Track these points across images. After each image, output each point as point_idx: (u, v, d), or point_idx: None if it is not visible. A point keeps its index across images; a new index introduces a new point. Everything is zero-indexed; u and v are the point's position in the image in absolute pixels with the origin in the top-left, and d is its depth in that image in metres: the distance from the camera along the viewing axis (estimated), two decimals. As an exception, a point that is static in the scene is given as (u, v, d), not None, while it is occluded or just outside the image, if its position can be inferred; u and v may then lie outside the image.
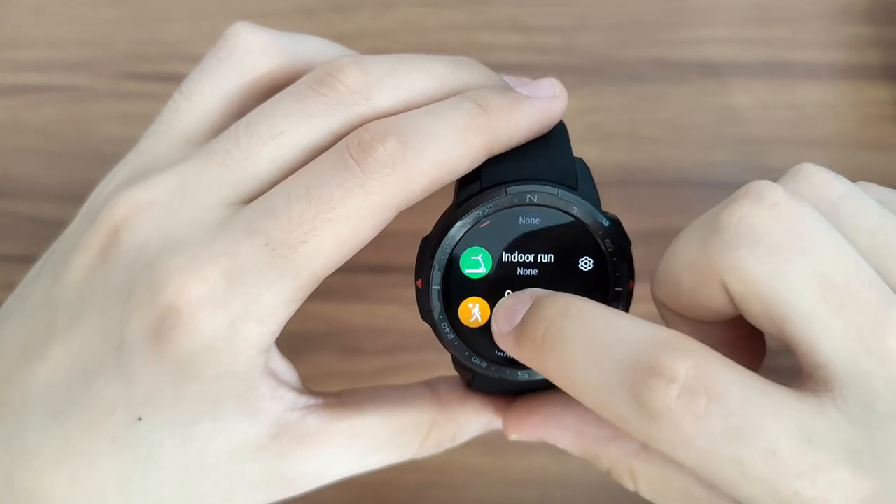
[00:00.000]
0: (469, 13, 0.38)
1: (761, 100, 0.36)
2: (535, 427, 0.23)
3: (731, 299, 0.19)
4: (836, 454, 0.17)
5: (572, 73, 0.37)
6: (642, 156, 0.36)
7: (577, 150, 0.24)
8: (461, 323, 0.22)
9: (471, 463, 0.33)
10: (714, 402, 0.17)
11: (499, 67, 0.37)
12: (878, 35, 0.36)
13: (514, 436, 0.24)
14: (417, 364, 0.34)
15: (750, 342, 0.22)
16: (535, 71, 0.37)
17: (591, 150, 0.36)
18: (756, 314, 0.19)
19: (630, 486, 0.23)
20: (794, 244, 0.18)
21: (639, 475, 0.22)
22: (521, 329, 0.20)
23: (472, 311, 0.22)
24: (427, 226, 0.23)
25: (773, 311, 0.18)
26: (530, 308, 0.20)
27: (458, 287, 0.22)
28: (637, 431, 0.18)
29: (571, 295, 0.20)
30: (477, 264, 0.22)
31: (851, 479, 0.17)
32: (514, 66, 0.37)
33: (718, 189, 0.35)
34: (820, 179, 0.20)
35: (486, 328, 0.22)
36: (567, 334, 0.19)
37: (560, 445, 0.23)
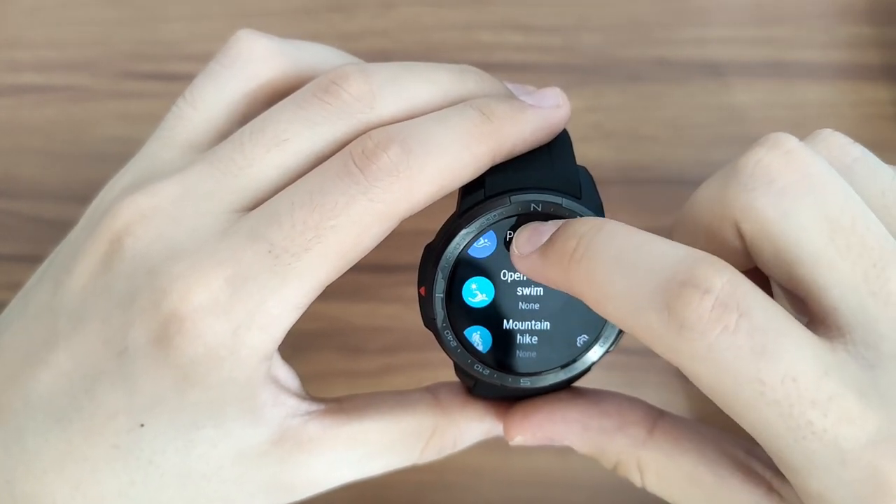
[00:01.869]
0: (469, 13, 0.38)
1: (761, 100, 0.36)
2: (538, 426, 0.23)
3: (745, 243, 0.20)
4: (849, 389, 0.17)
5: (572, 72, 0.37)
6: (643, 155, 0.36)
7: (578, 149, 0.24)
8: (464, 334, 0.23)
9: (471, 463, 0.33)
10: (745, 318, 0.17)
11: (499, 67, 0.37)
12: (878, 35, 0.36)
13: (517, 439, 0.24)
14: (419, 363, 0.34)
15: None
16: (535, 71, 0.37)
17: (592, 149, 0.36)
18: (767, 257, 0.19)
19: (637, 479, 0.23)
20: (804, 186, 0.19)
21: (646, 464, 0.22)
22: (549, 245, 0.20)
23: (476, 294, 0.22)
24: (429, 225, 0.23)
25: (783, 252, 0.19)
26: (560, 227, 0.20)
27: (461, 294, 0.22)
28: (662, 343, 0.18)
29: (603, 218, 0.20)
30: (481, 272, 0.22)
31: (860, 415, 0.17)
32: (514, 65, 0.37)
33: (718, 189, 0.35)
34: (837, 142, 0.21)
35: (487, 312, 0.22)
36: (601, 246, 0.19)
37: (566, 442, 0.23)
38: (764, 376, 0.17)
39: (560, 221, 0.21)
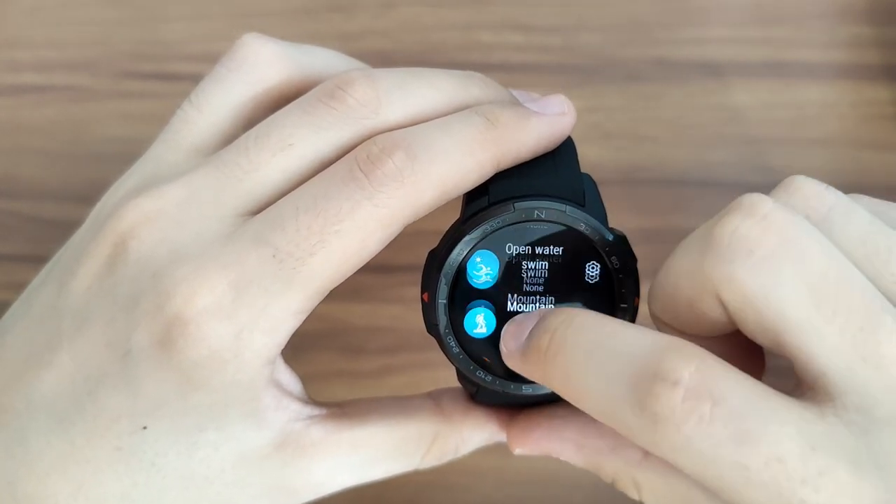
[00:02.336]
0: (469, 13, 0.38)
1: (761, 100, 0.36)
2: (537, 441, 0.24)
3: (727, 312, 0.19)
4: (840, 461, 0.17)
5: (572, 72, 0.37)
6: (642, 155, 0.36)
7: (578, 149, 0.24)
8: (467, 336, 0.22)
9: (471, 463, 0.33)
10: (718, 406, 0.17)
11: (499, 67, 0.37)
12: (878, 35, 0.36)
13: (518, 450, 0.24)
14: (419, 364, 0.34)
15: (749, 357, 0.22)
16: (535, 71, 0.37)
17: (592, 149, 0.36)
18: (752, 326, 0.19)
19: (634, 495, 0.23)
20: (784, 254, 0.18)
21: (642, 484, 0.22)
22: (528, 342, 0.20)
23: (479, 324, 0.22)
24: (431, 226, 0.23)
25: (768, 321, 0.18)
26: (539, 322, 0.20)
27: (464, 301, 0.22)
28: (640, 438, 0.18)
29: (577, 308, 0.20)
30: (484, 279, 0.22)
31: (855, 486, 0.16)
32: (514, 66, 0.37)
33: (718, 189, 0.35)
34: (811, 191, 0.20)
35: (490, 342, 0.22)
36: (570, 342, 0.19)
37: (562, 458, 0.23)
38: (747, 461, 0.17)
39: (542, 312, 0.21)
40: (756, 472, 0.17)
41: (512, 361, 0.21)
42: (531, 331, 0.20)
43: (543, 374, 0.20)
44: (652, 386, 0.17)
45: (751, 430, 0.17)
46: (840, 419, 0.17)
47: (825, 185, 0.20)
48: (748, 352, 0.21)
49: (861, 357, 0.17)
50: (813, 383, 0.18)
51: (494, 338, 0.22)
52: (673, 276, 0.21)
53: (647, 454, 0.22)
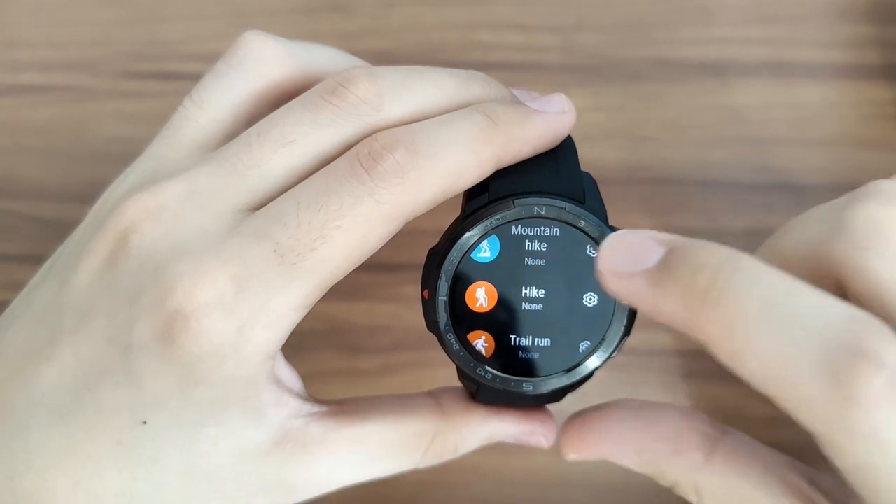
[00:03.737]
0: (469, 13, 0.38)
1: (761, 100, 0.36)
2: (593, 446, 0.23)
3: (847, 297, 0.18)
4: None
5: (572, 72, 0.37)
6: (642, 155, 0.36)
7: (578, 148, 0.24)
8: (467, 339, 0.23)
9: (471, 462, 0.33)
10: None
11: (499, 67, 0.37)
12: (878, 35, 0.36)
13: (572, 456, 0.23)
14: (418, 362, 0.34)
15: None
16: (534, 71, 0.37)
17: (592, 149, 0.36)
18: (877, 314, 0.18)
19: (694, 500, 0.22)
20: None
21: (703, 489, 0.21)
22: (667, 273, 0.18)
23: (479, 299, 0.22)
24: (430, 225, 0.23)
25: (893, 312, 0.17)
26: (677, 252, 0.18)
27: (464, 297, 0.22)
28: (814, 412, 0.17)
29: (724, 246, 0.18)
30: (485, 276, 0.22)
31: None
32: (513, 65, 0.37)
33: (718, 189, 0.35)
34: None
35: (489, 318, 0.22)
36: (742, 290, 0.17)
37: (620, 463, 0.23)
38: None
39: (665, 237, 0.19)
40: None
41: (623, 285, 0.19)
42: (672, 259, 0.18)
43: (693, 317, 0.18)
44: (853, 362, 0.16)
45: None
46: None
47: None
48: None
49: None
50: None
51: (494, 313, 0.22)
52: (788, 250, 0.20)
53: (709, 457, 0.21)
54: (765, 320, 0.17)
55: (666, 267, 0.18)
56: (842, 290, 0.18)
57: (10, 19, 0.39)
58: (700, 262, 0.18)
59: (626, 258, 0.19)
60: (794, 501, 0.20)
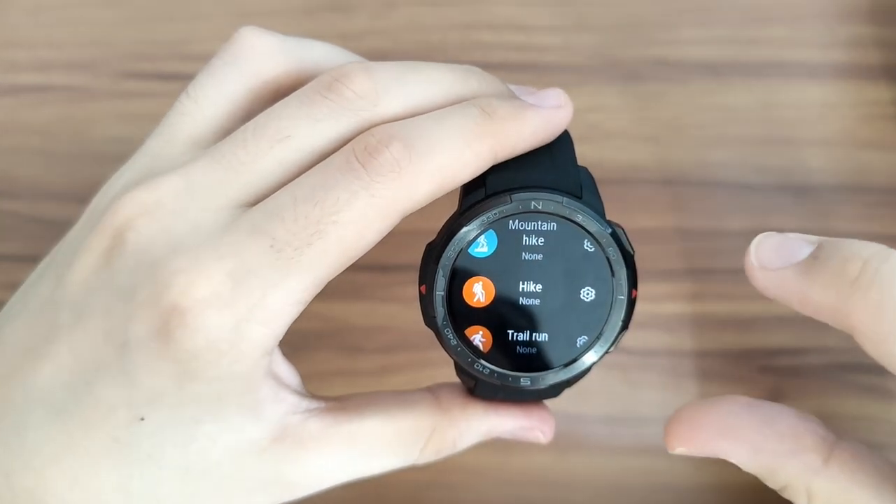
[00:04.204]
0: (469, 13, 0.38)
1: (761, 100, 0.36)
2: (707, 440, 0.22)
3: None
4: None
5: (572, 72, 0.37)
6: (642, 155, 0.36)
7: (577, 149, 0.24)
8: (465, 335, 0.23)
9: (471, 462, 0.33)
10: None
11: (499, 67, 0.37)
12: (878, 35, 0.36)
13: (679, 450, 0.22)
14: (418, 362, 0.34)
15: None
16: (535, 70, 0.37)
17: (591, 149, 0.36)
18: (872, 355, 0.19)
19: (804, 503, 0.22)
20: None
21: (816, 494, 0.21)
22: (819, 264, 0.19)
23: (476, 294, 0.22)
24: (429, 225, 0.23)
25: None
26: (828, 245, 0.19)
27: (461, 293, 0.22)
28: None
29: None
30: (482, 271, 0.22)
31: None
32: (514, 65, 0.37)
33: (718, 189, 0.35)
34: None
35: (486, 313, 0.22)
36: (892, 277, 0.18)
37: (733, 460, 0.22)
38: None
39: (813, 238, 0.20)
40: None
41: (773, 278, 0.20)
42: (822, 253, 0.19)
43: (841, 302, 0.19)
44: None
45: None
46: None
47: None
48: None
49: None
50: None
51: (491, 308, 0.22)
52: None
53: (827, 461, 0.21)
54: None
55: (816, 258, 0.19)
56: None
57: (10, 19, 0.39)
58: (851, 253, 0.19)
59: (776, 254, 0.20)
60: None
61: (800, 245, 0.20)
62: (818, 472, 0.21)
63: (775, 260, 0.20)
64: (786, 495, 0.22)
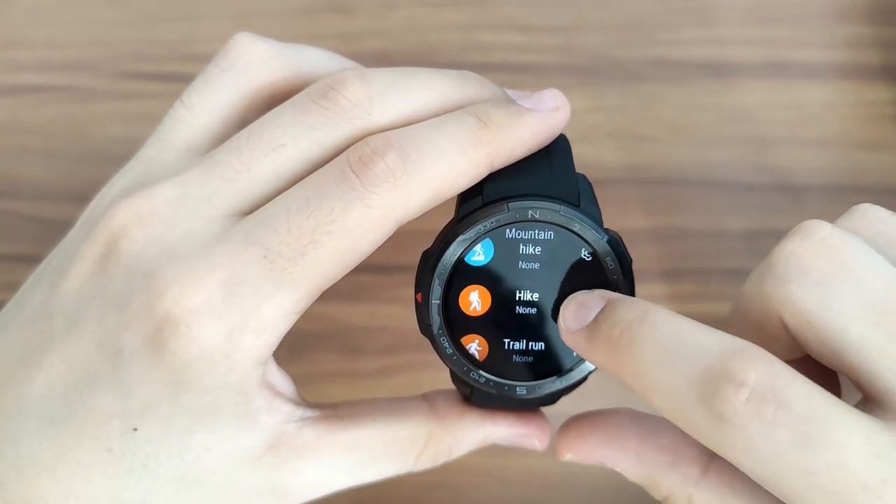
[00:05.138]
0: (469, 13, 0.38)
1: (761, 100, 0.36)
2: (593, 449, 0.23)
3: (791, 334, 0.20)
4: None
5: (572, 73, 0.37)
6: (642, 155, 0.36)
7: (577, 149, 0.24)
8: (460, 342, 0.22)
9: (471, 463, 0.33)
10: (783, 409, 0.17)
11: (499, 67, 0.37)
12: (878, 35, 0.36)
13: (568, 456, 0.23)
14: (418, 364, 0.34)
15: (822, 381, 0.22)
16: (535, 71, 0.37)
17: (592, 149, 0.36)
18: (814, 347, 0.19)
19: None
20: (841, 274, 0.18)
21: (697, 503, 0.22)
22: (595, 328, 0.20)
23: (472, 303, 0.22)
24: (429, 226, 0.23)
25: (828, 341, 0.19)
26: (605, 308, 0.21)
27: (457, 301, 0.22)
28: (706, 436, 0.18)
29: (645, 301, 0.20)
30: (478, 279, 0.22)
31: None
32: (513, 66, 0.37)
33: (718, 189, 0.35)
34: (876, 216, 0.20)
35: (483, 322, 0.22)
36: (643, 337, 0.19)
37: (617, 469, 0.23)
38: (810, 465, 0.17)
39: (608, 296, 0.21)
40: (818, 476, 0.17)
41: (573, 341, 0.21)
42: (599, 316, 0.20)
43: (611, 362, 0.20)
44: (718, 385, 0.17)
45: (814, 434, 0.17)
46: None
47: (892, 213, 0.20)
48: (821, 376, 0.21)
49: None
50: (880, 400, 0.18)
51: (487, 316, 0.22)
52: (742, 301, 0.21)
53: (706, 472, 0.21)
54: (659, 362, 0.19)
55: (595, 322, 0.20)
56: (785, 325, 0.20)
57: (11, 19, 0.39)
58: (618, 317, 0.20)
59: (575, 316, 0.21)
60: None
61: (593, 306, 0.21)
62: (697, 483, 0.21)
63: (574, 322, 0.21)
64: None
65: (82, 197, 0.24)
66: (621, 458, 0.23)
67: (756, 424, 0.17)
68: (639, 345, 0.19)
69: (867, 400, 0.19)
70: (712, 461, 0.21)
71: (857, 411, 0.17)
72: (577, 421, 0.24)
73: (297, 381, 0.23)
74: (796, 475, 0.17)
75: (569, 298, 0.21)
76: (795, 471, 0.17)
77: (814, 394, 0.17)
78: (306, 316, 0.21)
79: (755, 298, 0.20)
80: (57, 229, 0.24)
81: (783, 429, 0.17)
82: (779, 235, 0.20)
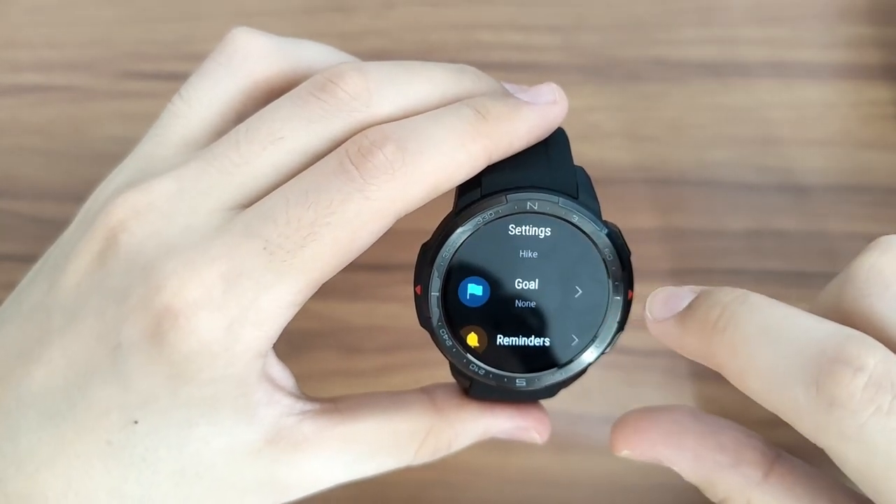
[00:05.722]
0: (469, 13, 0.38)
1: (761, 100, 0.36)
2: (650, 445, 0.23)
3: None
4: None
5: (572, 72, 0.37)
6: (642, 155, 0.36)
7: (578, 149, 0.24)
8: (460, 333, 0.22)
9: (471, 462, 0.33)
10: None
11: (498, 67, 0.37)
12: (878, 35, 0.36)
13: (624, 452, 0.23)
14: (417, 362, 0.34)
15: None
16: (534, 70, 0.37)
17: (591, 149, 0.36)
18: None
19: None
20: None
21: None
22: (690, 313, 0.20)
23: (472, 293, 0.22)
24: (427, 225, 0.23)
25: None
26: (700, 295, 0.21)
27: (457, 294, 0.22)
28: (807, 420, 0.18)
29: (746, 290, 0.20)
30: (477, 271, 0.22)
31: None
32: (514, 65, 0.37)
33: (718, 189, 0.35)
34: None
35: (483, 313, 0.22)
36: (745, 316, 0.19)
37: (675, 468, 0.22)
38: None
39: (699, 288, 0.21)
40: None
41: (663, 329, 0.21)
42: (695, 302, 0.20)
43: (706, 346, 0.20)
44: (833, 368, 0.17)
45: None
46: None
47: None
48: None
49: None
50: None
51: (487, 308, 0.22)
52: (819, 313, 0.21)
53: (767, 475, 0.21)
54: (761, 342, 0.18)
55: (689, 308, 0.20)
56: None
57: (11, 19, 0.39)
58: (715, 300, 0.20)
59: (664, 306, 0.21)
60: None
61: (683, 297, 0.21)
62: (758, 486, 0.21)
63: (663, 312, 0.21)
64: None
65: (82, 196, 0.24)
66: (679, 456, 0.22)
67: (871, 412, 0.17)
68: (741, 324, 0.19)
69: None
70: (774, 465, 0.21)
71: None
72: (635, 416, 0.23)
73: (296, 379, 0.23)
74: None
75: (656, 291, 0.22)
76: None
77: None
78: (305, 314, 0.21)
79: (832, 310, 0.20)
80: (57, 229, 0.24)
81: None
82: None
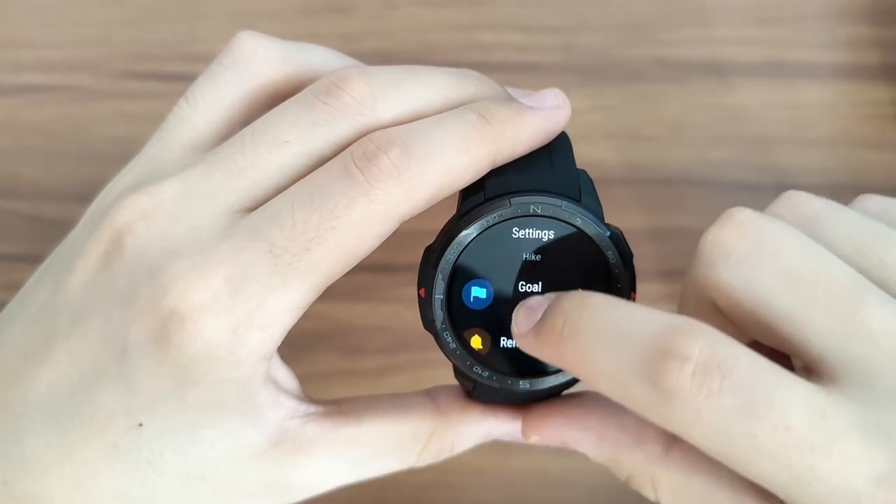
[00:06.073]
0: (469, 13, 0.38)
1: (761, 100, 0.36)
2: (556, 429, 0.23)
3: (726, 318, 0.20)
4: (849, 429, 0.17)
5: (572, 72, 0.37)
6: (642, 155, 0.36)
7: (578, 149, 0.24)
8: (464, 334, 0.23)
9: (471, 463, 0.33)
10: (727, 378, 0.17)
11: (499, 67, 0.37)
12: (878, 35, 0.36)
13: (533, 438, 0.24)
14: (418, 363, 0.34)
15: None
16: (535, 71, 0.37)
17: (592, 149, 0.36)
18: (747, 325, 0.20)
19: (650, 494, 0.22)
20: (759, 251, 0.19)
21: (660, 482, 0.22)
22: (541, 324, 0.20)
23: (476, 296, 0.22)
24: (429, 226, 0.23)
25: (757, 316, 0.19)
26: (550, 305, 0.21)
27: (460, 296, 0.22)
28: (654, 414, 0.18)
29: (588, 291, 0.20)
30: (481, 274, 0.22)
31: (866, 453, 0.17)
32: (514, 66, 0.37)
33: (718, 189, 0.35)
34: (800, 199, 0.21)
35: (486, 315, 0.23)
36: (584, 323, 0.19)
37: (580, 449, 0.23)
38: (756, 430, 0.17)
39: (554, 295, 0.21)
40: (765, 441, 0.17)
41: (525, 342, 0.21)
42: (544, 313, 0.21)
43: (558, 355, 0.20)
44: (662, 362, 0.18)
45: (759, 400, 0.17)
46: (845, 394, 0.18)
47: (814, 196, 0.21)
48: (773, 359, 0.21)
49: (851, 334, 0.18)
50: (816, 368, 0.19)
51: (490, 311, 0.22)
52: (682, 297, 0.22)
53: (668, 450, 0.22)
54: (601, 345, 0.19)
55: (542, 320, 0.21)
56: (720, 309, 0.20)
57: (12, 19, 0.39)
58: (559, 309, 0.20)
59: (524, 320, 0.21)
60: (749, 492, 0.20)
61: (539, 307, 0.21)
62: (660, 461, 0.22)
63: (525, 325, 0.21)
64: (632, 486, 0.23)
65: (83, 197, 0.24)
66: (583, 437, 0.23)
67: (703, 397, 0.17)
68: (580, 331, 0.19)
69: (806, 371, 0.19)
70: (675, 441, 0.22)
71: (798, 377, 0.18)
72: (542, 404, 0.24)
73: (298, 380, 0.23)
74: (744, 442, 0.17)
75: (519, 305, 0.22)
76: (743, 438, 0.17)
77: (757, 362, 0.18)
78: (307, 315, 0.21)
79: (689, 289, 0.21)
80: (57, 229, 0.24)
81: (728, 398, 0.17)
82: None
